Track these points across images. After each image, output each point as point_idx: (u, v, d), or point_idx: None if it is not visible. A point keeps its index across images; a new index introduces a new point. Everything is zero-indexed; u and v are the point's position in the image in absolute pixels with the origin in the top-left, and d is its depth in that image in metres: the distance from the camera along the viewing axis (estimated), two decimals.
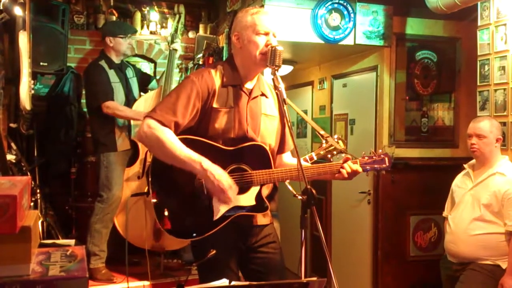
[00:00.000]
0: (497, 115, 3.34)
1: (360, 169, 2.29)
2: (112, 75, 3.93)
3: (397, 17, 4.13)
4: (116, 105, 3.83)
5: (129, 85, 4.06)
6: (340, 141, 2.88)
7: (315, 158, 2.95)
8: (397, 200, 4.17)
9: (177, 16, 4.62)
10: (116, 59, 4.00)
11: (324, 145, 2.87)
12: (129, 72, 4.12)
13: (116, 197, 3.81)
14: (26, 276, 1.38)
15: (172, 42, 4.40)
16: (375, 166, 2.35)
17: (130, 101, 4.01)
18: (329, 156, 2.86)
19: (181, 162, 2.01)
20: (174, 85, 4.26)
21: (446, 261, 3.22)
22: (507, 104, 3.30)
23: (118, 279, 3.68)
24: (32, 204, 3.69)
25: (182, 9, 4.66)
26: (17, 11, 3.37)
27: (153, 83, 4.45)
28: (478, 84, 3.55)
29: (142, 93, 4.31)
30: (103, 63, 3.93)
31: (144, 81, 4.37)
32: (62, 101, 4.53)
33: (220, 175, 2.01)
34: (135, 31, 4.46)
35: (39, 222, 3.44)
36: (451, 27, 4.26)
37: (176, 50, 4.38)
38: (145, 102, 4.07)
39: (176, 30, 4.47)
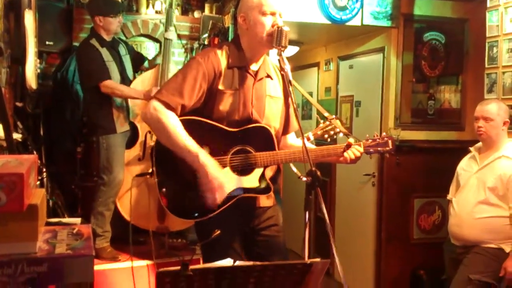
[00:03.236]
0: (505, 98, 3.32)
1: (362, 151, 2.29)
2: (105, 53, 3.78)
3: None
4: (114, 84, 3.72)
5: (123, 63, 3.92)
6: (337, 121, 2.85)
7: (312, 138, 2.91)
8: (401, 183, 4.17)
9: None
10: (107, 37, 3.84)
11: (321, 124, 2.84)
12: (122, 50, 3.97)
13: (118, 179, 3.78)
14: (33, 253, 1.39)
15: (167, 25, 4.14)
16: (378, 149, 2.34)
17: (125, 79, 3.89)
18: (326, 136, 2.82)
19: (180, 150, 2.02)
20: (172, 64, 4.19)
21: (449, 244, 3.22)
22: None
23: (123, 258, 3.71)
24: (38, 183, 3.71)
25: None
26: None
27: (146, 63, 4.30)
28: (486, 66, 3.51)
29: (136, 74, 4.18)
30: (94, 41, 3.77)
31: (138, 61, 4.22)
32: (68, 80, 4.51)
33: (213, 174, 2.00)
34: (125, 9, 4.31)
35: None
36: (460, 8, 4.20)
37: (170, 40, 4.13)
38: (142, 83, 3.95)
39: (171, 5, 4.32)
